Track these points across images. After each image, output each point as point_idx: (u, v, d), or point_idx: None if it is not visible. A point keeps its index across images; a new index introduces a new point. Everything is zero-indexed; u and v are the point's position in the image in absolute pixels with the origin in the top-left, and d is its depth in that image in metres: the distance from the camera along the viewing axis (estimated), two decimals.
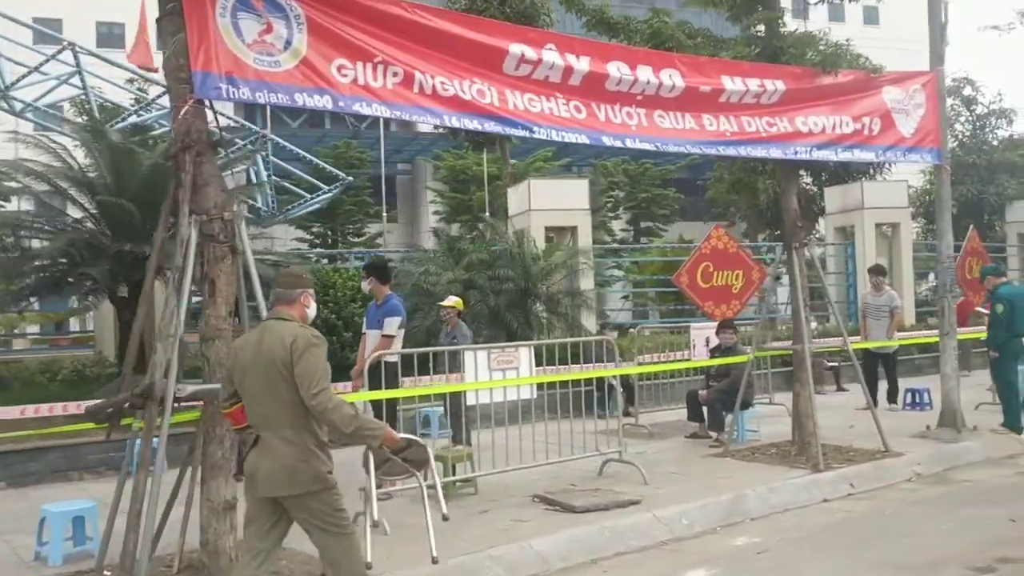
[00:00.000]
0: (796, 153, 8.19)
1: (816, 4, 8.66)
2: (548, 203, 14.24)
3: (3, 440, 7.83)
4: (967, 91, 23.06)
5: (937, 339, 9.57)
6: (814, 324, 14.78)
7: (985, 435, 9.16)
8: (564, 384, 8.05)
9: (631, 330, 14.18)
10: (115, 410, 5.01)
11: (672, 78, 7.49)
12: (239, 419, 4.22)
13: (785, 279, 9.51)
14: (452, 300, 9.24)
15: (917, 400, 11.44)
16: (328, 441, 4.12)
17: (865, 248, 16.58)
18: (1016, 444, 9.02)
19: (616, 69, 7.18)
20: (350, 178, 13.70)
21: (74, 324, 19.72)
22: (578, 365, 8.52)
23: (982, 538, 5.82)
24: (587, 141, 7.22)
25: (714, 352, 9.88)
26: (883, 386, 11.76)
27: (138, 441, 5.00)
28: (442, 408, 9.09)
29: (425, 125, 6.18)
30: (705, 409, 9.45)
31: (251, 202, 13.06)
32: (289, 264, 11.09)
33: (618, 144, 7.31)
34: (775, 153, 8.11)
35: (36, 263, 10.09)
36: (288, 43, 5.61)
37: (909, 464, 8.03)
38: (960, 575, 5.15)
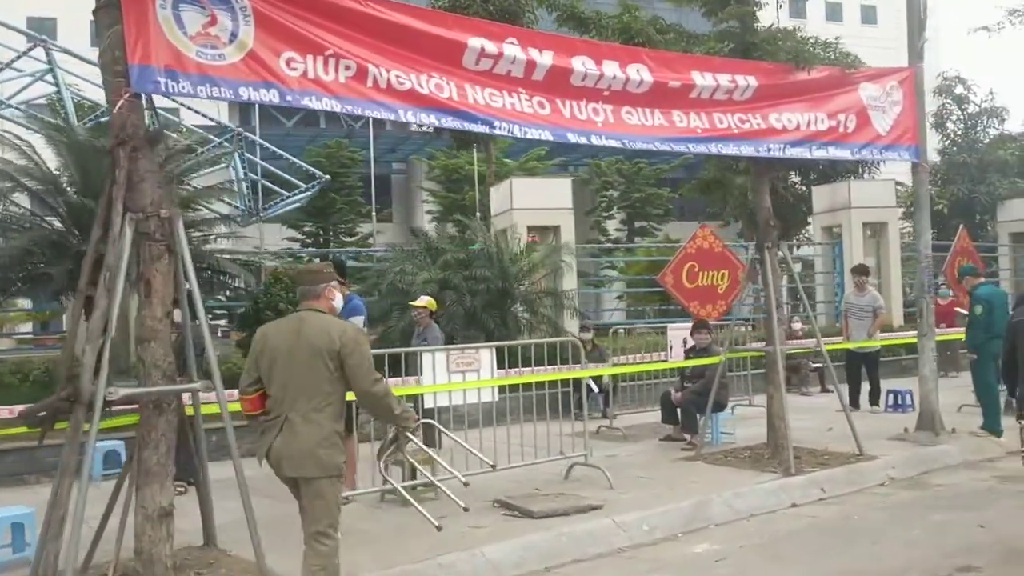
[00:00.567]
0: (769, 151, 8.04)
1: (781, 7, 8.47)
2: (530, 202, 14.07)
3: None
4: (959, 90, 22.88)
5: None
6: (798, 325, 14.65)
7: (964, 438, 9.00)
8: (536, 386, 7.91)
9: (617, 331, 14.06)
10: (48, 414, 4.85)
11: (640, 73, 7.33)
12: (257, 406, 4.47)
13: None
14: (423, 300, 9.09)
15: (899, 402, 11.28)
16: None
17: (852, 248, 16.42)
18: (995, 447, 8.85)
19: (581, 64, 7.02)
20: (327, 177, 13.54)
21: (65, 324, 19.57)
22: (550, 367, 8.39)
23: (948, 545, 5.66)
24: (551, 137, 7.08)
25: (689, 353, 9.72)
26: (867, 387, 11.62)
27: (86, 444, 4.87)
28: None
29: (420, 124, 6.06)
30: (679, 411, 9.29)
31: (228, 202, 12.89)
32: (260, 263, 11.00)
33: (583, 141, 7.16)
34: (747, 150, 7.96)
35: None
36: (234, 36, 5.45)
37: (883, 468, 7.87)
38: None
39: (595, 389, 11.22)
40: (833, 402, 11.86)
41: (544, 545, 5.71)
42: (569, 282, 13.64)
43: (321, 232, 31.40)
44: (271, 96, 5.59)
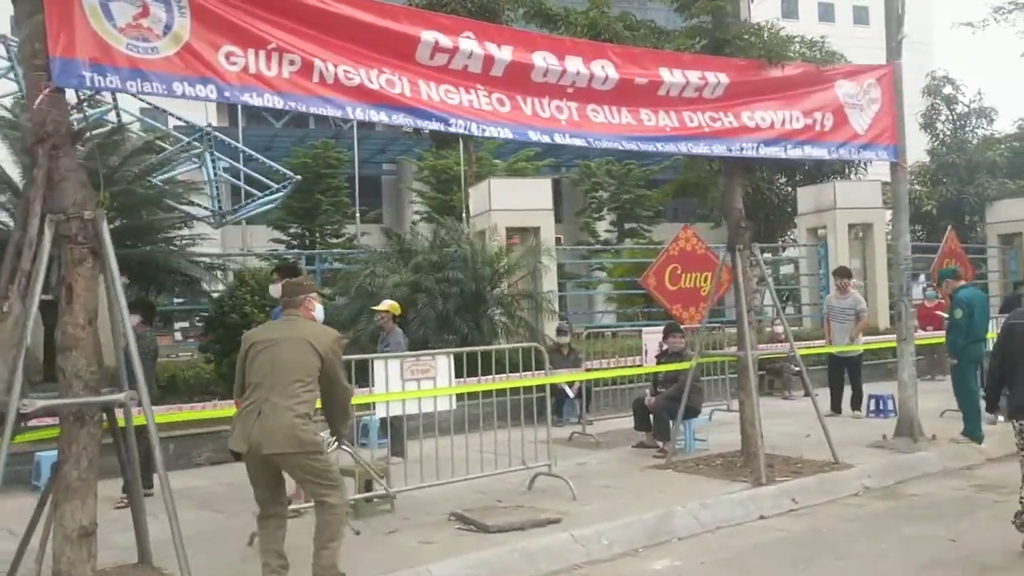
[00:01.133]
0: (742, 150, 7.79)
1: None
2: (509, 203, 13.81)
3: None
4: (947, 90, 22.68)
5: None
6: (781, 328, 14.38)
7: (944, 444, 8.76)
8: (500, 393, 7.65)
9: (591, 334, 13.80)
10: None
11: (605, 70, 7.08)
12: None
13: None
14: (386, 304, 8.85)
15: (881, 407, 11.04)
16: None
17: (838, 249, 16.20)
18: (975, 454, 8.62)
19: (542, 60, 6.78)
20: (298, 177, 13.25)
21: None
22: (515, 374, 8.14)
23: (916, 559, 5.42)
24: (511, 136, 6.84)
25: (661, 357, 9.48)
26: (850, 392, 11.38)
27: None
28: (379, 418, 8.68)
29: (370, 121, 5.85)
30: (652, 417, 9.03)
31: (197, 203, 12.62)
32: (226, 265, 10.75)
33: (546, 139, 6.93)
34: (718, 149, 7.71)
35: None
36: (168, 28, 5.20)
37: (858, 477, 7.62)
38: None
39: (570, 394, 10.98)
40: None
41: (495, 562, 5.45)
42: (549, 284, 13.40)
43: (307, 234, 31.07)
44: (208, 92, 5.35)
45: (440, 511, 6.60)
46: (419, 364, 6.47)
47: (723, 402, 11.23)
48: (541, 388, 7.44)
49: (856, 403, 11.21)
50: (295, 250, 29.24)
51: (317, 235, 31.14)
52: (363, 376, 6.94)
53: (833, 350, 11.19)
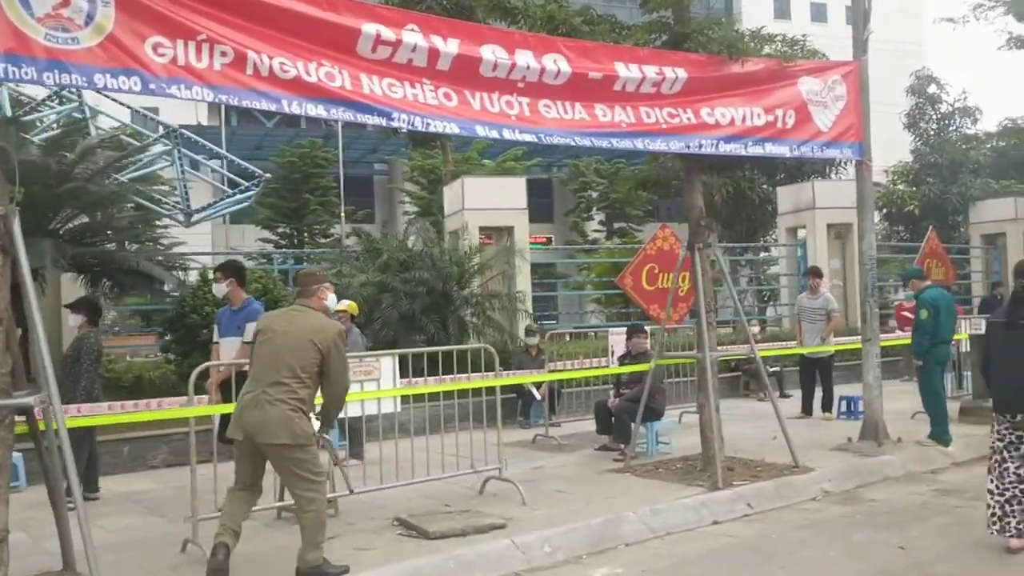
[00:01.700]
0: (700, 146, 7.63)
1: None
2: (483, 202, 13.62)
3: None
4: (932, 89, 22.55)
5: (885, 344, 9.05)
6: (757, 328, 14.27)
7: (909, 447, 8.61)
8: (458, 395, 7.50)
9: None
10: None
11: (557, 64, 6.91)
12: None
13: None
14: (343, 304, 8.68)
15: (852, 409, 10.89)
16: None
17: (817, 249, 16.07)
18: (941, 457, 8.48)
19: (491, 53, 6.61)
20: (267, 175, 13.04)
21: None
22: (466, 375, 7.96)
23: (862, 568, 5.28)
24: (458, 131, 6.65)
25: (624, 359, 9.32)
26: (820, 393, 11.25)
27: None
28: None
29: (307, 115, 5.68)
30: (614, 419, 8.87)
31: (163, 199, 12.43)
32: (186, 264, 10.57)
33: (495, 135, 6.76)
34: (676, 146, 7.55)
35: None
36: (90, 18, 5.03)
37: (818, 481, 7.47)
38: None
39: (537, 396, 10.82)
40: (789, 408, 11.53)
41: (429, 570, 5.28)
42: (522, 284, 13.23)
43: (295, 233, 30.90)
44: (132, 84, 5.17)
45: (385, 516, 6.45)
46: (362, 365, 6.29)
47: (694, 404, 11.05)
48: (493, 390, 7.24)
49: (827, 405, 11.07)
50: (283, 249, 29.12)
51: (305, 235, 30.98)
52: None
53: (803, 351, 11.05)
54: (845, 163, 16.96)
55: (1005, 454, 5.44)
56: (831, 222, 16.19)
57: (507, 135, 6.77)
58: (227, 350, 6.87)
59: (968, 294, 19.26)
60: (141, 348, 14.27)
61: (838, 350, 11.72)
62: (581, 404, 11.52)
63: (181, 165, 12.18)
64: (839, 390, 11.32)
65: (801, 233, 16.88)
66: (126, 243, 10.93)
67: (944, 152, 21.93)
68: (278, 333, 5.04)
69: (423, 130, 6.44)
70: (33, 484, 7.15)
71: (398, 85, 6.25)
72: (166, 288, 10.08)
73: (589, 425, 10.42)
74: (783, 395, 13.26)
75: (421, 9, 14.84)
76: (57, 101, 13.32)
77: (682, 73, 7.50)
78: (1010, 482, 5.38)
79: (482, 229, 13.46)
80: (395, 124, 6.18)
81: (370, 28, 6.05)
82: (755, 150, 8.02)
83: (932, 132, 22.84)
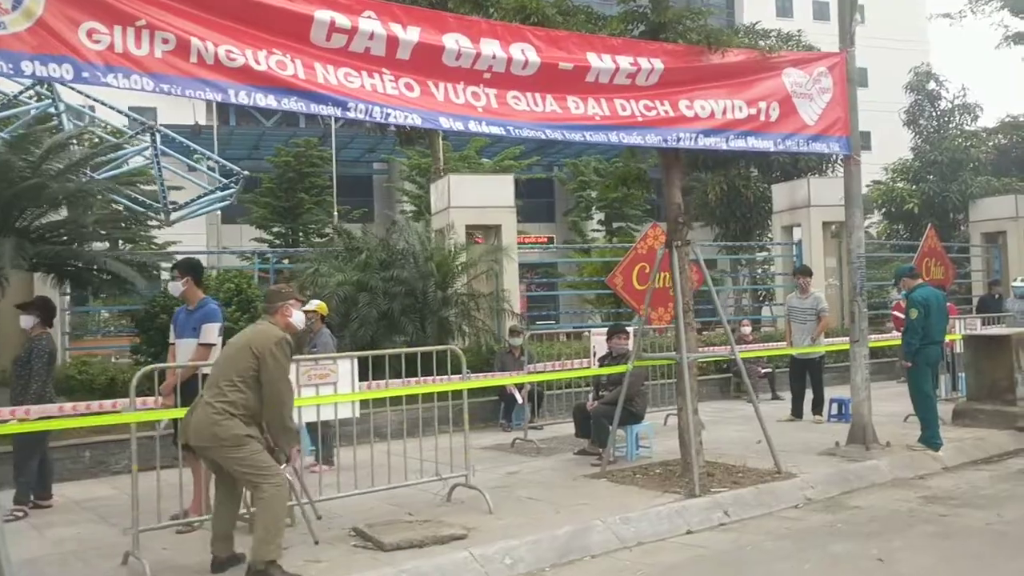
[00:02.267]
0: (679, 140, 7.35)
1: None
2: (470, 200, 13.34)
3: None
4: (931, 86, 22.19)
5: (880, 344, 8.74)
6: (747, 328, 14.00)
7: (898, 452, 8.30)
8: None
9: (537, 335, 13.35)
10: None
11: (525, 53, 6.64)
12: None
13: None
14: (313, 304, 8.46)
15: (843, 411, 10.58)
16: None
17: (812, 247, 15.76)
18: (931, 462, 8.17)
19: (454, 42, 6.35)
20: (246, 172, 12.78)
21: None
22: (429, 377, 7.65)
23: None
24: (420, 122, 6.43)
25: (604, 360, 9.03)
26: (811, 395, 10.95)
27: None
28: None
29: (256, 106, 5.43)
30: (592, 423, 8.58)
31: (141, 198, 12.19)
32: (157, 265, 10.32)
33: (459, 127, 6.46)
34: (653, 140, 7.26)
35: None
36: (18, 2, 4.79)
37: (800, 487, 7.16)
38: None
39: (519, 399, 10.56)
40: (779, 410, 11.24)
41: None
42: (509, 284, 12.95)
43: (290, 232, 30.67)
44: (63, 72, 4.92)
45: (344, 525, 6.18)
46: (317, 368, 6.02)
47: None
48: (462, 394, 6.95)
49: (817, 407, 10.77)
50: (278, 248, 28.89)
51: (300, 234, 30.75)
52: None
53: (793, 352, 10.76)
54: (840, 159, 16.61)
55: None
56: (827, 220, 15.87)
57: (473, 127, 6.48)
58: (180, 352, 6.59)
59: (968, 293, 18.91)
60: (125, 349, 14.03)
61: (829, 351, 11.43)
62: (565, 406, 11.22)
63: (159, 163, 11.92)
64: (831, 392, 11.02)
65: (796, 231, 16.57)
66: (108, 243, 10.69)
67: (944, 149, 21.55)
68: (230, 344, 5.23)
69: (383, 121, 6.18)
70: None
71: (355, 75, 5.99)
72: (137, 288, 9.80)
73: (571, 428, 10.15)
74: (775, 397, 12.99)
75: (405, 2, 14.56)
76: (36, 98, 13.14)
77: (659, 64, 7.22)
78: None
79: (469, 227, 13.20)
80: (351, 115, 5.89)
81: (324, 15, 5.79)
82: (737, 144, 7.74)
83: (932, 129, 22.47)
